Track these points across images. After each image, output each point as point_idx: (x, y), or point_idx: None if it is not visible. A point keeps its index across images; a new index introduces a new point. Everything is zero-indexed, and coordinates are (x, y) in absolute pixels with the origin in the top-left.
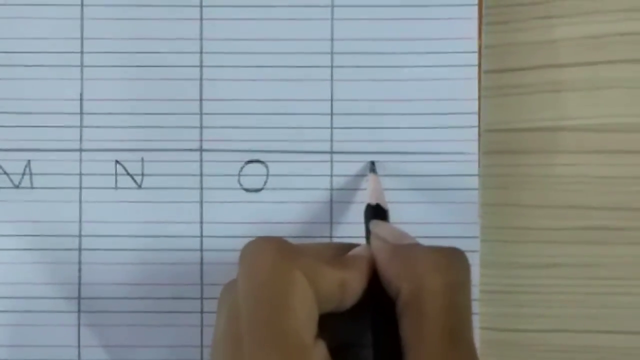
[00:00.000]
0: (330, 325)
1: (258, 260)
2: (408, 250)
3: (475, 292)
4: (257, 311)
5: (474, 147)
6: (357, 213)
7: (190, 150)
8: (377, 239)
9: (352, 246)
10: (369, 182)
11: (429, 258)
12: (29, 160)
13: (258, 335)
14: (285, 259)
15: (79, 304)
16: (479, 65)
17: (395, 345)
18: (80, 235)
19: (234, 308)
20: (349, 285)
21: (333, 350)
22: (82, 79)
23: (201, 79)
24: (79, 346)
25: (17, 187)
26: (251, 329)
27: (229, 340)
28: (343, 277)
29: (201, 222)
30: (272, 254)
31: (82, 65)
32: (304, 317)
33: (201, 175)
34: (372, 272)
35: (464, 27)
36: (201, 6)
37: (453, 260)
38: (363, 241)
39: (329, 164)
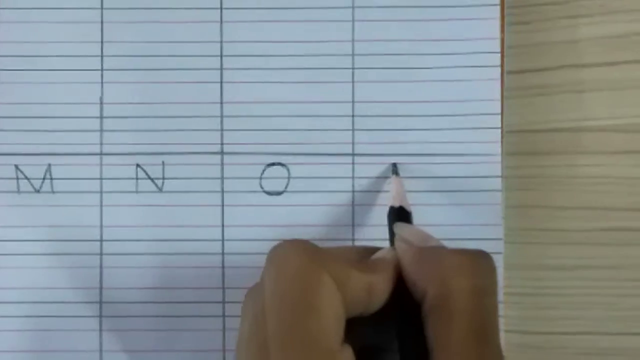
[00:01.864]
0: (356, 329)
1: (286, 263)
2: (433, 252)
3: (500, 294)
4: (284, 314)
5: (497, 148)
6: (379, 215)
7: (211, 153)
8: (401, 241)
9: (375, 249)
10: (391, 184)
11: (455, 260)
12: (49, 165)
13: (284, 339)
14: (313, 262)
15: (100, 308)
16: (502, 65)
17: (421, 348)
18: (101, 240)
19: (260, 312)
20: (376, 289)
21: (359, 354)
22: (102, 82)
23: (221, 82)
24: (100, 351)
25: (37, 191)
26: (277, 333)
27: (254, 344)
28: (370, 280)
29: (222, 226)
30: (299, 257)
31: (102, 69)
32: (331, 321)
33: (222, 178)
34: (397, 275)
35: (486, 28)
36: (221, 8)
37: (479, 262)
38: (386, 244)
39: (350, 166)
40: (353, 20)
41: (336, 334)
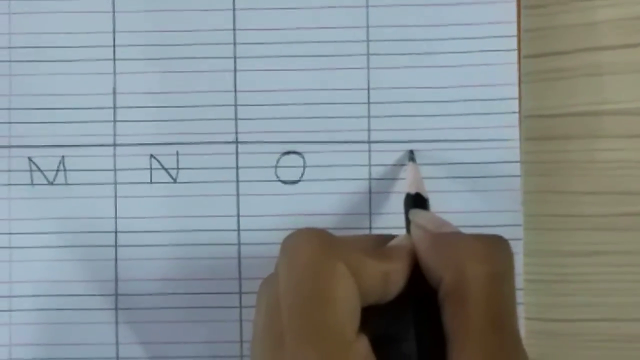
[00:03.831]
0: (372, 318)
1: (300, 252)
2: (450, 238)
3: (519, 281)
4: (299, 304)
5: (515, 133)
6: (396, 203)
7: (226, 142)
8: (417, 228)
9: (391, 237)
10: (408, 171)
11: (472, 246)
12: (63, 157)
13: (299, 329)
14: (328, 251)
15: (116, 300)
16: (519, 49)
17: (438, 335)
18: (116, 232)
19: (274, 302)
20: (392, 277)
21: (374, 343)
22: (114, 72)
23: (235, 70)
24: (117, 343)
25: (51, 183)
26: (292, 323)
27: (269, 335)
28: (386, 268)
29: (238, 216)
30: (314, 246)
31: (114, 59)
32: (346, 311)
33: (237, 167)
34: (413, 263)
35: (503, 11)
36: None
37: (496, 248)
38: (403, 232)
39: (366, 153)
40: (367, 6)
41: (352, 323)
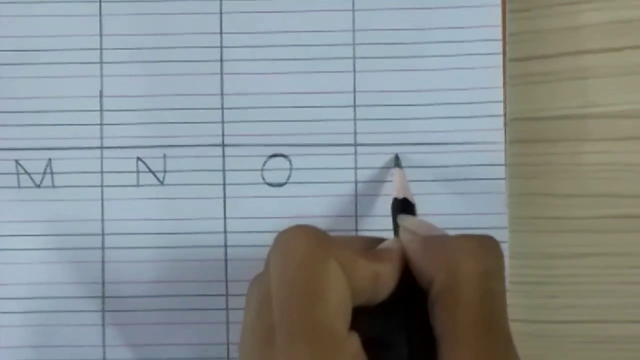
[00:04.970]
0: (361, 319)
1: (292, 248)
2: (440, 240)
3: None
4: (291, 300)
5: (500, 136)
6: (382, 206)
7: (213, 145)
8: (406, 232)
9: (380, 240)
10: (394, 176)
11: (463, 246)
12: (49, 159)
13: (291, 325)
14: (320, 248)
15: (103, 303)
16: (504, 53)
17: (428, 338)
18: (103, 234)
19: (265, 298)
20: (382, 278)
21: (364, 344)
22: (101, 75)
23: (222, 74)
24: (104, 345)
25: (38, 186)
26: (284, 319)
27: (259, 331)
28: (377, 269)
29: (225, 218)
30: (307, 242)
31: (101, 62)
32: (338, 308)
33: (224, 170)
34: (403, 266)
35: (488, 15)
36: None
37: (486, 247)
38: (389, 234)
39: (352, 156)
40: (353, 10)
41: (343, 321)
